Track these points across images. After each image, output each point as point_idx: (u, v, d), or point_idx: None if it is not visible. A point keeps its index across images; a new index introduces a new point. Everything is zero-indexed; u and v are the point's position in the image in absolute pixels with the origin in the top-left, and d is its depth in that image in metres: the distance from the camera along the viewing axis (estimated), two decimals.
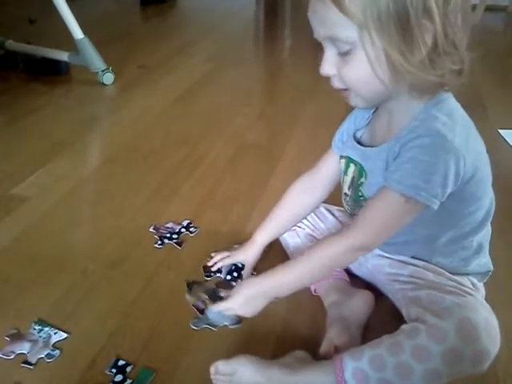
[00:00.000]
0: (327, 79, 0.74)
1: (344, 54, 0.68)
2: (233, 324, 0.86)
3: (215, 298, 0.90)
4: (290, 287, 0.79)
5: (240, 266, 1.00)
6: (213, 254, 1.02)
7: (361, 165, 0.81)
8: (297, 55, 2.48)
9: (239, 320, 0.86)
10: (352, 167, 0.83)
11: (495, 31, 2.92)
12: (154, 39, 2.67)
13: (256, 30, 3.24)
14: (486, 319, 0.67)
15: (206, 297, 0.91)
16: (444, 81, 0.68)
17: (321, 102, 1.80)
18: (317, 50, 0.73)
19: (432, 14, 0.63)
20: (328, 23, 0.67)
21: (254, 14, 3.55)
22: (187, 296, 0.92)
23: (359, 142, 0.83)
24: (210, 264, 1.00)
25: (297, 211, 0.97)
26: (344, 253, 0.74)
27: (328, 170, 0.92)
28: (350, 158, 0.84)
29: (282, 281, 0.78)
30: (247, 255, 0.98)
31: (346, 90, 0.74)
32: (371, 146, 0.80)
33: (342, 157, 0.87)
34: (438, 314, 0.68)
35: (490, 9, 2.88)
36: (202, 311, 0.89)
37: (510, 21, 3.23)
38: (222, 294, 0.91)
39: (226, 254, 1.00)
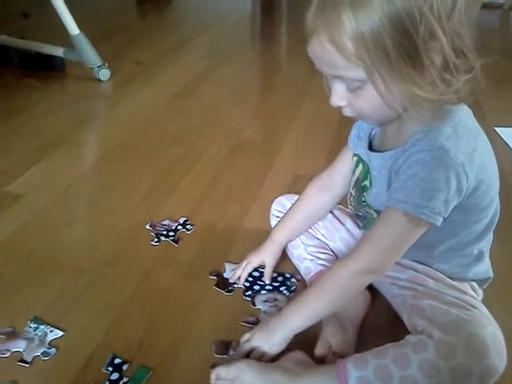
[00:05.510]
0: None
1: (354, 89, 0.67)
2: None
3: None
4: (308, 321, 0.77)
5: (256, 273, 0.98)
6: (227, 265, 1.00)
7: (368, 166, 0.81)
8: (293, 53, 2.47)
9: None
10: (360, 167, 0.83)
11: (491, 29, 2.93)
12: (151, 35, 2.66)
13: (252, 27, 3.23)
14: (494, 334, 0.67)
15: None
16: (459, 95, 0.66)
17: (317, 99, 1.79)
18: None
19: (437, 34, 0.61)
20: (333, 66, 0.66)
21: (251, 11, 3.54)
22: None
23: (371, 142, 0.82)
24: (232, 280, 0.96)
25: (315, 209, 0.96)
26: (351, 278, 0.73)
27: (345, 166, 0.90)
28: (360, 157, 0.83)
29: (297, 316, 0.76)
30: (266, 256, 0.97)
31: (357, 116, 0.73)
32: (380, 150, 0.79)
33: (354, 154, 0.86)
34: (444, 329, 0.67)
35: (486, 6, 2.88)
36: (256, 324, 0.86)
37: (506, 18, 3.23)
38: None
39: (244, 262, 0.97)
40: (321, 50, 0.65)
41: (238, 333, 0.83)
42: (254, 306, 0.91)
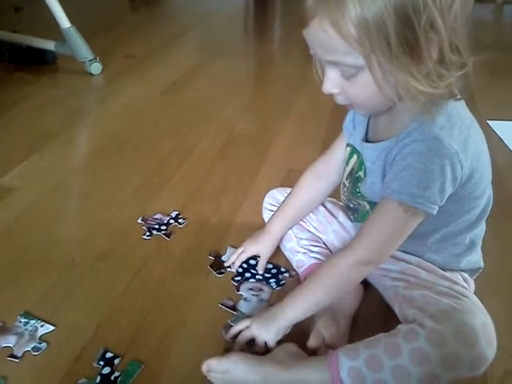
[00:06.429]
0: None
1: (349, 76, 0.67)
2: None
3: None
4: (306, 312, 0.77)
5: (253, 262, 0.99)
6: (228, 249, 1.02)
7: (362, 156, 0.80)
8: (287, 46, 2.46)
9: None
10: (354, 158, 0.83)
11: (484, 23, 2.93)
12: (143, 29, 2.64)
13: (245, 21, 3.21)
14: (484, 323, 0.68)
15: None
16: (451, 90, 0.67)
17: (310, 93, 1.78)
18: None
19: (438, 26, 0.61)
20: (332, 51, 0.65)
21: (244, 4, 3.52)
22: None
23: (367, 132, 0.82)
24: (227, 264, 0.98)
25: (311, 198, 0.96)
26: (349, 269, 0.73)
27: (340, 153, 0.89)
28: (354, 147, 0.83)
29: (296, 306, 0.76)
30: (261, 247, 0.97)
31: (349, 104, 0.73)
32: (373, 141, 0.78)
33: (348, 144, 0.85)
34: (436, 318, 0.67)
35: (479, 0, 2.87)
36: (232, 308, 0.88)
37: (500, 13, 3.23)
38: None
39: (240, 249, 0.98)
40: (321, 33, 0.64)
41: None
42: (238, 291, 0.92)
